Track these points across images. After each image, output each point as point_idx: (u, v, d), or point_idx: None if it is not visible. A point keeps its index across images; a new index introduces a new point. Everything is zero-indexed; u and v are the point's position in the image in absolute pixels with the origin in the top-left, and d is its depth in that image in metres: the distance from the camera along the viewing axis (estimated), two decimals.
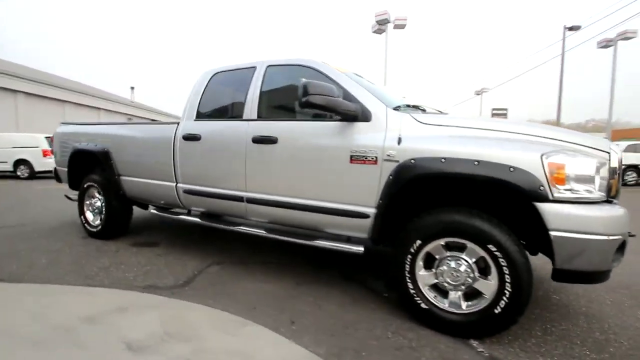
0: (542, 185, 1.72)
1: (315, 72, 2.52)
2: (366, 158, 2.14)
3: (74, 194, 4.30)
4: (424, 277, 2.04)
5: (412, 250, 2.02)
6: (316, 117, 2.58)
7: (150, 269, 2.97)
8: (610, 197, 1.87)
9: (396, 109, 2.25)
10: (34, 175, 11.42)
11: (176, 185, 3.12)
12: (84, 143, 3.81)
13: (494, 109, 36.29)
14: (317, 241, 2.44)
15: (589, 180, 1.74)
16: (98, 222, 3.82)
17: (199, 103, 3.05)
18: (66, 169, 4.08)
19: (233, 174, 2.72)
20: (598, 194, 1.76)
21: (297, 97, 2.58)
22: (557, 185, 1.72)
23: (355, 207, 2.22)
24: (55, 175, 4.42)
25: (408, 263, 2.04)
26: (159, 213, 3.39)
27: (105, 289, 2.54)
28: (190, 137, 2.96)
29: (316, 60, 2.56)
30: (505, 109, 35.01)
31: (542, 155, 1.74)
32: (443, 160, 1.90)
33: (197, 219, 3.09)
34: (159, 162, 3.21)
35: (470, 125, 2.02)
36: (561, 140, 1.88)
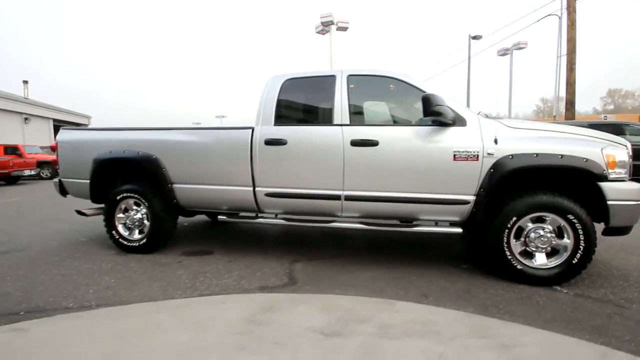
0: (604, 170, 2.48)
1: (403, 83, 2.93)
2: (469, 156, 2.66)
3: (91, 208, 3.85)
4: (515, 245, 2.67)
5: (508, 226, 2.63)
6: (402, 122, 3.00)
7: (239, 273, 3.00)
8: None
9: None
10: None
11: (254, 189, 3.17)
12: (119, 151, 3.46)
13: None
14: (419, 227, 2.88)
15: (624, 165, 2.56)
16: (138, 235, 3.54)
17: (275, 109, 3.15)
18: (82, 180, 3.64)
19: (329, 175, 2.95)
20: (626, 175, 2.61)
21: (383, 103, 2.97)
22: (609, 170, 2.51)
23: (457, 196, 2.73)
24: (60, 189, 3.85)
25: (506, 236, 2.64)
26: (229, 219, 3.36)
27: (229, 296, 2.55)
28: (274, 142, 3.05)
29: (401, 73, 2.97)
30: None
31: (601, 149, 2.51)
32: (536, 155, 2.54)
33: (281, 221, 3.20)
34: (232, 167, 3.20)
35: (542, 128, 2.71)
36: (600, 138, 2.68)
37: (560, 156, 2.52)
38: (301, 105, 3.28)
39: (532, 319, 2.16)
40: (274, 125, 3.12)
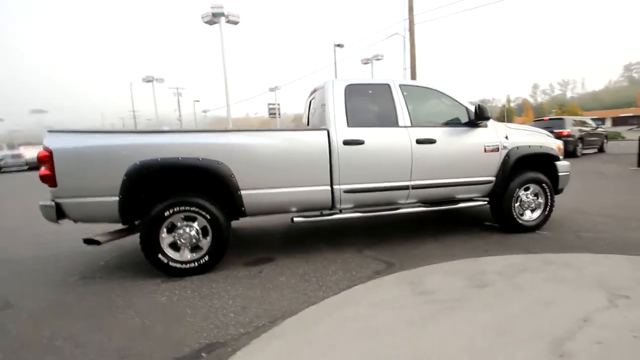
0: (558, 154, 4.01)
1: (440, 94, 3.76)
2: (493, 148, 3.73)
3: (104, 234, 3.06)
4: (517, 207, 3.93)
5: (514, 195, 3.86)
6: (438, 123, 3.83)
7: (336, 268, 3.17)
8: None
9: None
10: None
11: (332, 187, 3.35)
12: (172, 158, 2.90)
13: (269, 104, 42.23)
14: (460, 204, 3.79)
15: (561, 151, 4.18)
16: (193, 254, 3.10)
17: (346, 111, 3.42)
18: (100, 199, 2.88)
19: (401, 169, 3.48)
20: (562, 156, 4.25)
21: (432, 108, 3.79)
22: (558, 154, 4.06)
23: (486, 178, 3.77)
24: (56, 213, 2.84)
25: (514, 201, 3.86)
26: (305, 219, 3.37)
27: (376, 281, 2.76)
28: (353, 142, 3.33)
29: (437, 85, 3.79)
30: (278, 104, 41.50)
31: (557, 141, 4.03)
32: (529, 146, 3.83)
33: (357, 213, 3.50)
34: (309, 167, 3.26)
35: (523, 128, 4.06)
36: (548, 135, 4.24)
37: (540, 146, 3.91)
38: (366, 108, 3.63)
39: (549, 250, 3.37)
40: (348, 127, 3.39)
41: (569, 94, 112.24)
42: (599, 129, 14.41)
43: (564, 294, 2.46)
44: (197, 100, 64.26)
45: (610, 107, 74.87)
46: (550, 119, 13.68)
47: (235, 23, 17.54)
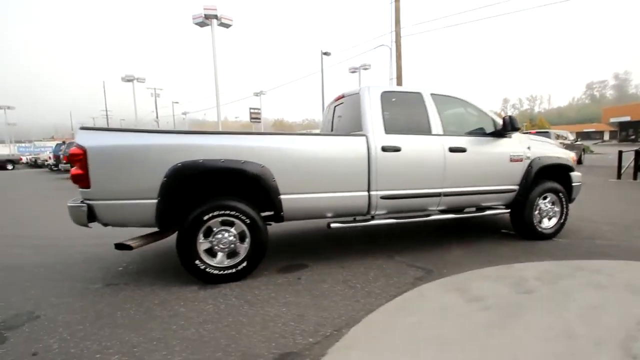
0: (573, 165, 4.20)
1: (468, 104, 3.86)
2: (518, 158, 3.86)
3: (135, 238, 2.90)
4: (536, 216, 4.07)
5: (535, 204, 4.00)
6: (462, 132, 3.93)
7: (375, 275, 3.15)
8: None
9: None
10: None
11: (369, 192, 3.33)
12: (215, 159, 2.79)
13: (251, 108, 41.93)
14: (485, 212, 3.88)
15: (575, 162, 4.39)
16: (232, 261, 2.98)
17: (382, 118, 3.43)
18: (136, 201, 2.72)
19: (434, 176, 3.52)
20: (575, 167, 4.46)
21: (459, 117, 3.89)
22: (572, 164, 4.26)
23: (510, 186, 3.89)
24: (88, 215, 2.65)
25: (535, 210, 4.00)
26: (342, 225, 3.33)
27: (423, 287, 2.75)
28: (391, 149, 3.34)
29: (466, 95, 3.89)
30: (259, 109, 41.33)
31: (571, 153, 4.22)
32: (549, 157, 3.99)
33: (390, 220, 3.49)
34: (348, 173, 3.24)
35: (541, 139, 4.23)
36: (559, 146, 4.44)
37: (558, 157, 4.08)
38: (400, 116, 3.65)
39: (573, 257, 3.51)
40: (386, 134, 3.40)
41: (536, 109, 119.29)
42: (577, 142, 15.32)
43: (608, 299, 2.56)
44: (177, 102, 62.65)
45: (574, 122, 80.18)
46: (537, 132, 14.39)
47: (227, 26, 17.28)
